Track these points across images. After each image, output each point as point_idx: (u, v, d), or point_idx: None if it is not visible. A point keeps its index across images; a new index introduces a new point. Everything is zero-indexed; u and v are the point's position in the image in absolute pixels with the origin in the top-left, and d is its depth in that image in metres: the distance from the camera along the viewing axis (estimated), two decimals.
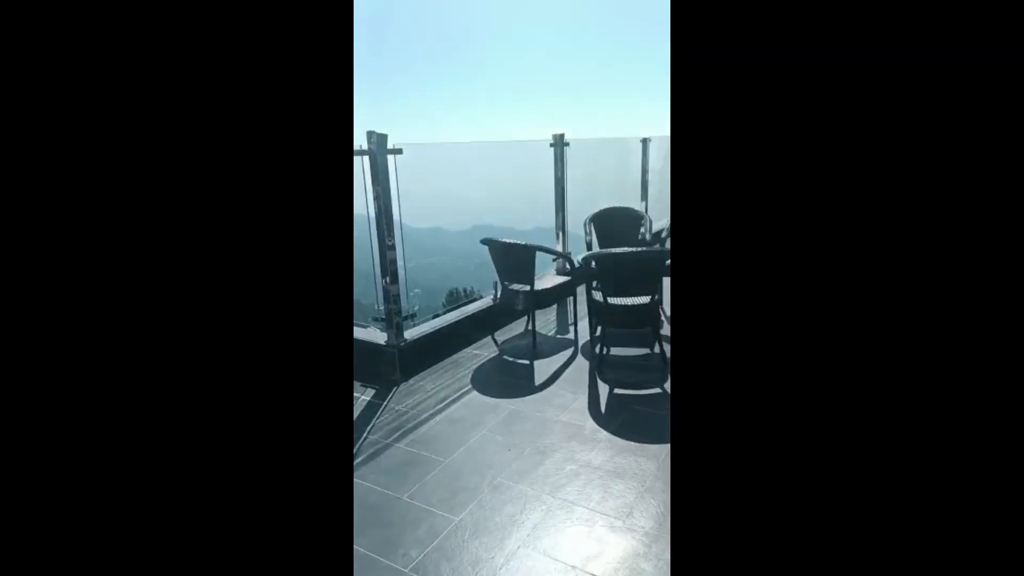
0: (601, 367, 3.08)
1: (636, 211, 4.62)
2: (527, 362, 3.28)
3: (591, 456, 2.22)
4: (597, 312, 3.15)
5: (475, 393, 2.87)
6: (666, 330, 3.57)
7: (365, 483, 2.11)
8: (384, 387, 2.99)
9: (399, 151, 2.98)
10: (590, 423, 2.49)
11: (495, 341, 3.60)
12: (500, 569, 1.65)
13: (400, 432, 2.50)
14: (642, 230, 4.30)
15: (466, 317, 3.69)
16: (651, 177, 6.56)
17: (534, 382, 2.99)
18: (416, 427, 2.54)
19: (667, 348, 3.24)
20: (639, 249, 3.25)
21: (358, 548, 1.75)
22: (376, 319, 3.22)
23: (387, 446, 2.39)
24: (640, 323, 3.05)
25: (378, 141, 2.89)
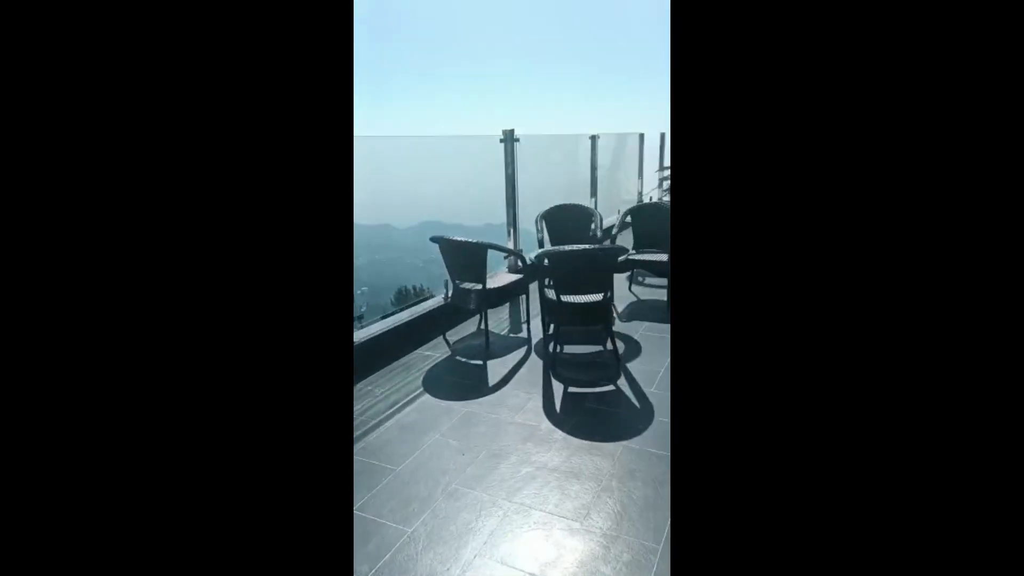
0: (555, 366, 3.06)
1: (587, 208, 4.65)
2: (480, 362, 3.22)
3: (547, 457, 2.19)
4: (550, 310, 3.13)
5: (427, 396, 2.79)
6: (619, 326, 3.60)
7: None
8: None
9: None
10: (545, 423, 2.46)
11: (447, 341, 3.52)
12: None
13: None
14: (593, 227, 4.32)
15: (417, 317, 3.59)
16: (600, 174, 6.63)
17: (488, 383, 2.93)
18: (365, 434, 2.43)
19: (620, 345, 3.27)
20: (592, 247, 3.25)
21: None
22: None
23: None
24: (593, 321, 3.05)
25: None
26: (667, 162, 9.12)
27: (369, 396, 2.81)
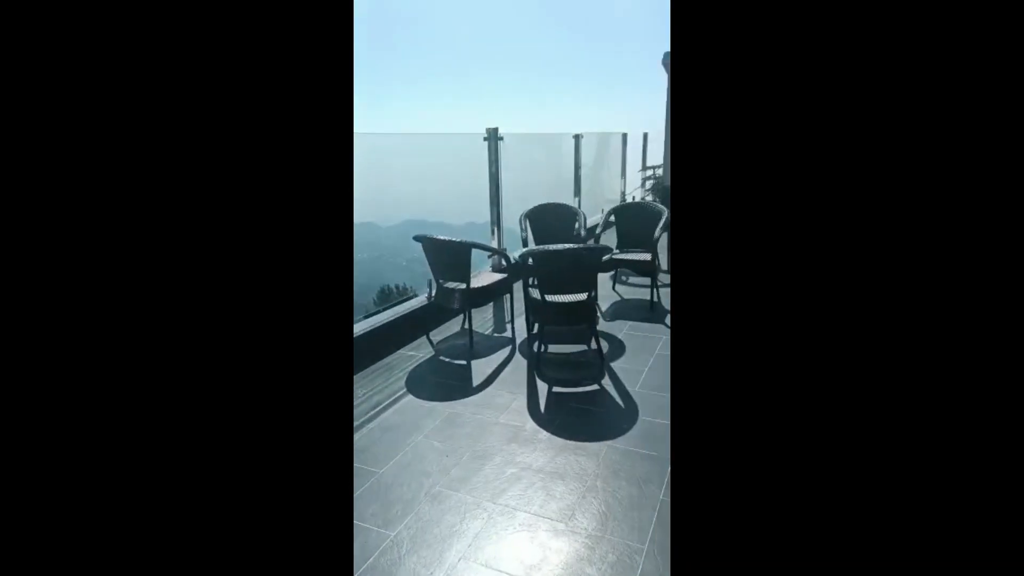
0: (539, 365, 3.05)
1: (571, 207, 4.65)
2: (464, 362, 3.20)
3: (532, 458, 2.18)
4: (534, 309, 3.12)
5: (410, 397, 2.76)
6: (603, 325, 3.61)
7: None
8: None
9: None
10: (530, 423, 2.45)
11: (430, 341, 3.48)
12: None
13: None
14: (577, 226, 4.32)
15: (399, 317, 3.55)
16: (583, 173, 6.65)
17: (472, 383, 2.91)
18: None
19: (604, 344, 3.27)
20: (576, 246, 3.24)
21: None
22: None
23: None
24: (577, 320, 3.05)
25: None
26: (650, 162, 9.17)
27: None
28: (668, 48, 7.62)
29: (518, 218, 4.38)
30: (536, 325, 3.16)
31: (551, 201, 4.59)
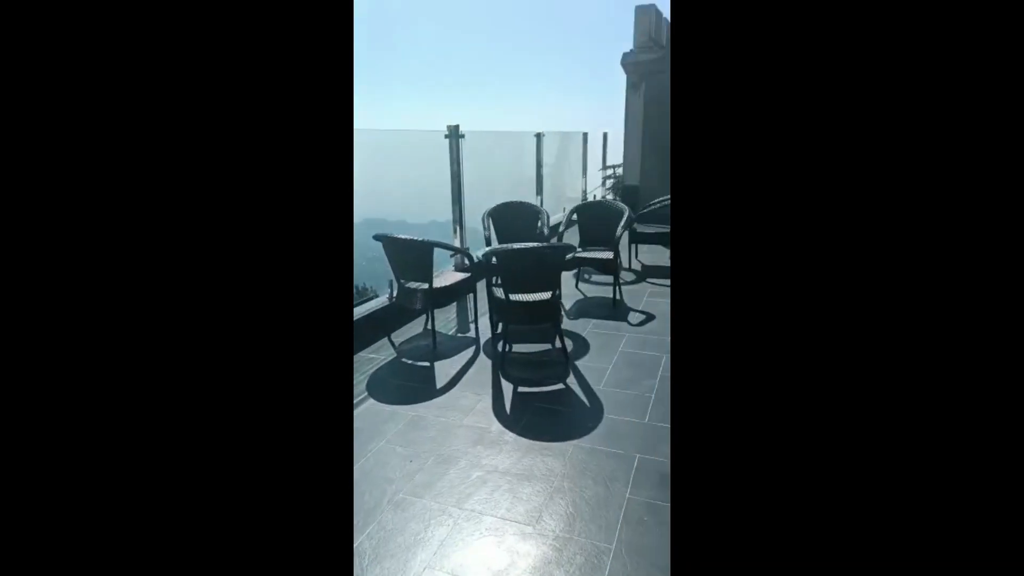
0: (504, 365, 3.02)
1: (533, 206, 4.64)
2: (427, 364, 3.13)
3: (498, 460, 2.14)
4: (498, 309, 3.09)
5: (371, 401, 2.67)
6: (567, 324, 3.61)
7: None
8: None
9: None
10: (496, 425, 2.41)
11: (392, 343, 3.40)
12: None
13: None
14: (540, 224, 4.31)
15: (360, 318, 3.44)
16: (545, 172, 6.66)
17: (435, 385, 2.85)
18: None
19: (568, 343, 3.27)
20: (540, 245, 3.23)
21: None
22: None
23: None
24: (542, 319, 3.03)
25: None
26: (610, 161, 9.29)
27: None
28: (627, 49, 7.73)
29: (481, 217, 4.33)
30: (500, 325, 3.13)
31: (514, 200, 4.57)
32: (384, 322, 3.51)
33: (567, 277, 4.57)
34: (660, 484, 1.96)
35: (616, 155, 9.20)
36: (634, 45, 7.92)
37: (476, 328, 3.63)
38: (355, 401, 2.67)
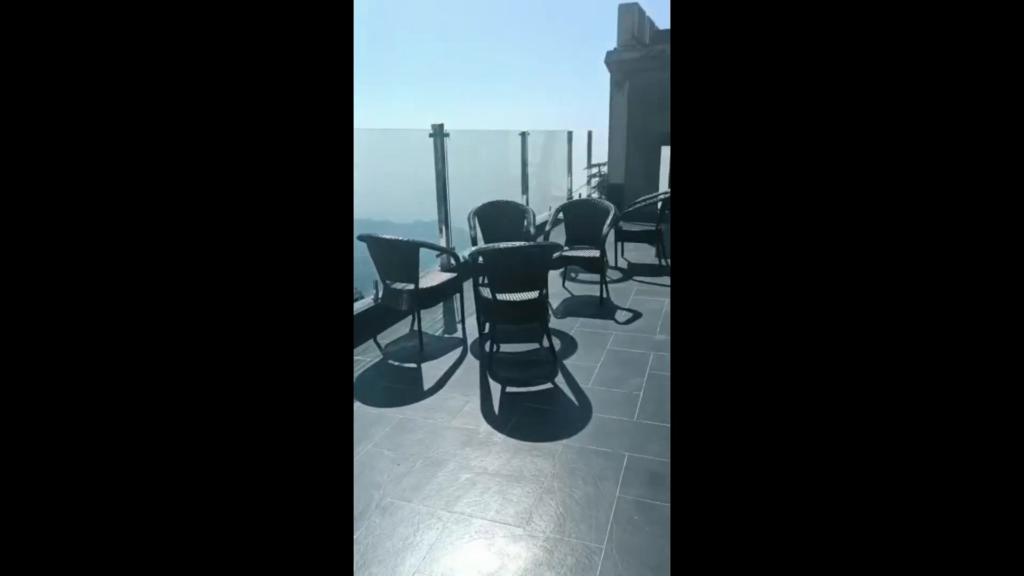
0: (492, 366, 3.00)
1: (520, 205, 4.62)
2: (414, 365, 3.10)
3: (487, 462, 2.13)
4: (485, 309, 3.07)
5: (358, 404, 2.64)
6: (554, 323, 3.60)
7: None
8: None
9: None
10: (484, 426, 2.40)
11: (378, 344, 3.36)
12: None
13: None
14: (526, 223, 4.30)
15: None
16: (531, 171, 6.65)
17: (423, 387, 2.82)
18: None
19: (556, 342, 3.26)
20: (527, 244, 3.22)
21: None
22: None
23: None
24: (529, 318, 3.02)
25: None
26: (595, 159, 9.31)
27: None
28: (611, 47, 7.74)
29: (466, 216, 4.30)
30: (487, 325, 3.11)
31: (499, 199, 4.54)
32: (370, 323, 3.47)
33: (554, 276, 4.56)
34: (649, 483, 1.96)
35: (601, 153, 9.22)
36: (617, 43, 7.94)
37: (463, 328, 3.61)
38: None
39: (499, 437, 2.30)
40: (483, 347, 3.19)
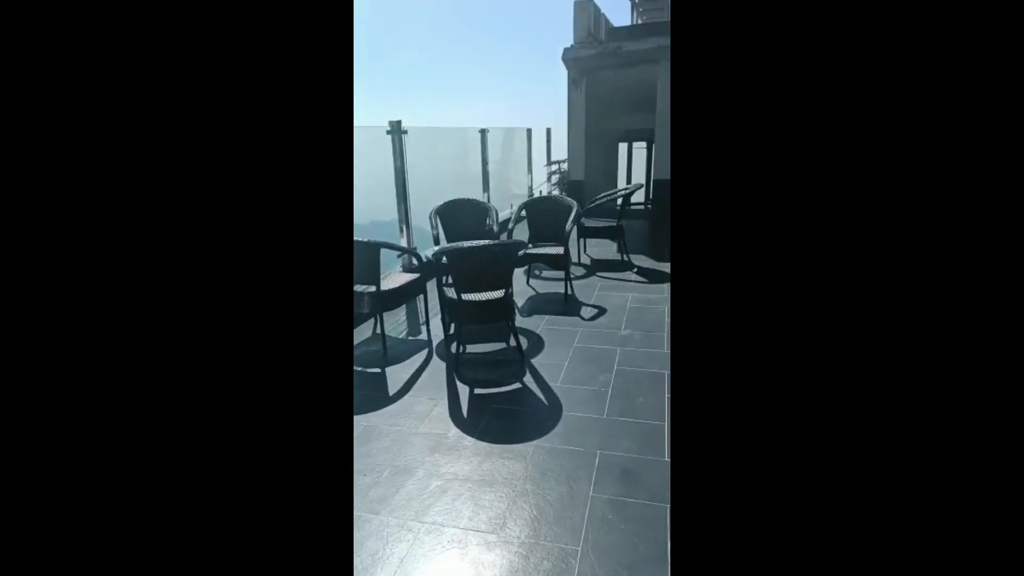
0: (459, 367, 2.94)
1: (482, 203, 4.56)
2: (378, 370, 3.00)
3: (457, 467, 2.07)
4: (450, 309, 3.00)
5: None
6: (520, 321, 3.56)
7: None
8: None
9: None
10: (453, 430, 2.34)
11: None
12: None
13: None
14: (488, 221, 4.25)
15: None
16: (491, 168, 6.59)
17: (388, 392, 2.73)
18: None
19: (523, 340, 3.23)
20: (491, 242, 3.17)
21: None
22: None
23: None
24: (496, 317, 2.98)
25: None
26: (555, 156, 9.34)
27: None
28: (568, 44, 7.76)
29: (428, 215, 4.22)
30: (453, 325, 3.05)
31: (461, 197, 4.47)
32: None
33: (518, 274, 4.53)
34: (622, 479, 1.95)
35: (560, 150, 9.26)
36: (574, 40, 7.97)
37: (428, 330, 3.53)
38: None
39: (469, 441, 2.25)
40: (449, 348, 3.12)
